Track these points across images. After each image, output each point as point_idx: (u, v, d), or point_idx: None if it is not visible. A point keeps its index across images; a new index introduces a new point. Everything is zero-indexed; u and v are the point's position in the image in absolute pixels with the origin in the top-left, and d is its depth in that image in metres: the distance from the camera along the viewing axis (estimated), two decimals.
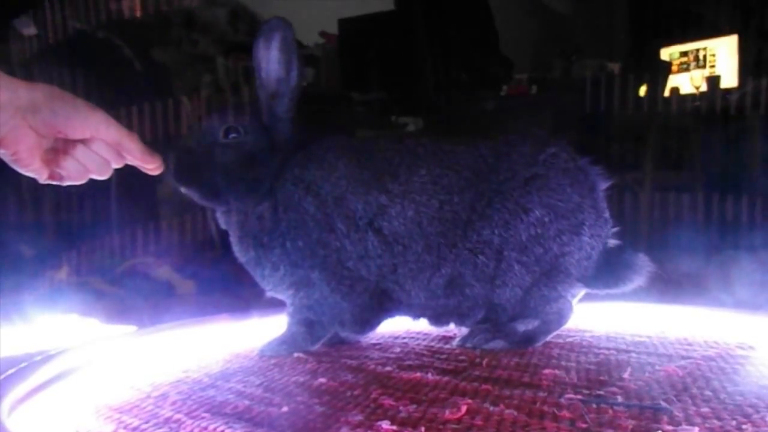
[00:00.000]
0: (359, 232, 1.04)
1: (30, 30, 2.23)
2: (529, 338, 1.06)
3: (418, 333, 1.20)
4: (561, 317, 1.08)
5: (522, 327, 1.06)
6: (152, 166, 0.97)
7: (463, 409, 0.73)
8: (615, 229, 1.10)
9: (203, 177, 1.04)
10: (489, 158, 1.07)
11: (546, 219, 1.03)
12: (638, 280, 1.09)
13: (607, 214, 1.09)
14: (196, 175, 1.04)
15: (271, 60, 1.04)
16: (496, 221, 1.03)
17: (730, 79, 3.34)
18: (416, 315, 1.12)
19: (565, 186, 1.05)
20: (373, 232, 1.04)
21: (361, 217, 1.04)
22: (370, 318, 1.09)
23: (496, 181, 1.05)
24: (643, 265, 1.09)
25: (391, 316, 1.12)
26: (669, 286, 1.15)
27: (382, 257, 1.04)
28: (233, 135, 1.04)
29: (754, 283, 1.23)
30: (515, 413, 0.72)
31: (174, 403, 0.83)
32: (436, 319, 1.12)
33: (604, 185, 1.09)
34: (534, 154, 1.06)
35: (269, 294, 1.11)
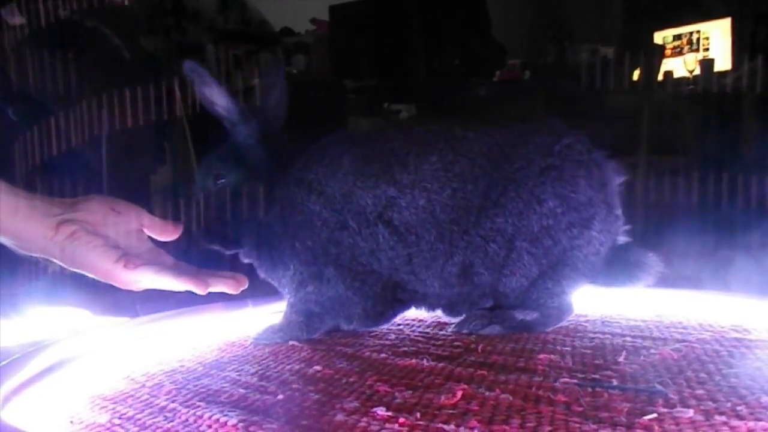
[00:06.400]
0: (370, 227, 1.03)
1: (17, 19, 2.21)
2: (525, 327, 1.05)
3: (413, 320, 1.20)
4: (560, 313, 1.07)
5: (520, 316, 1.06)
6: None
7: (459, 394, 0.73)
8: (626, 227, 1.09)
9: (223, 230, 1.07)
10: (504, 146, 1.05)
11: (558, 210, 1.01)
12: (646, 279, 1.08)
13: (618, 211, 1.07)
14: (221, 231, 1.07)
15: (216, 95, 1.06)
16: (510, 210, 1.01)
17: (723, 62, 3.34)
18: (432, 306, 1.11)
19: (579, 178, 1.02)
20: (384, 224, 1.03)
21: (371, 212, 1.02)
22: (384, 310, 1.09)
23: (511, 170, 1.03)
24: (653, 264, 1.08)
25: (407, 308, 1.11)
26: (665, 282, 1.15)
27: (395, 249, 1.03)
28: (221, 180, 1.06)
29: (752, 286, 1.22)
30: (511, 398, 0.72)
31: (169, 392, 0.82)
32: (450, 308, 1.11)
33: (618, 180, 1.07)
34: (550, 144, 1.04)
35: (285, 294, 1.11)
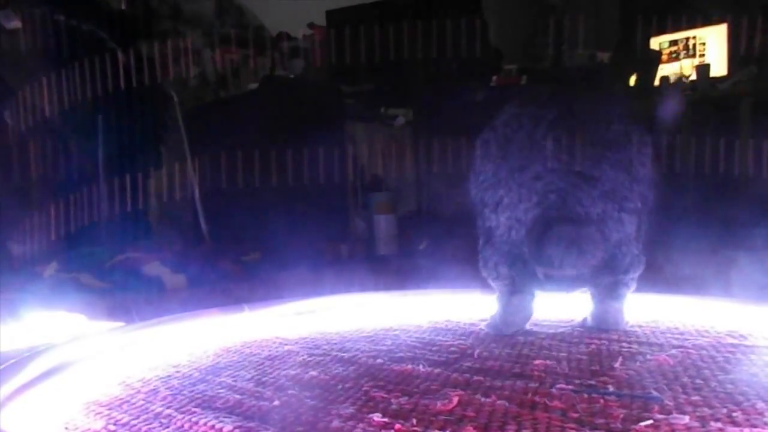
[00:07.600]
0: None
1: (13, 23, 2.20)
2: None
3: (409, 325, 1.20)
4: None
5: None
6: None
7: (455, 400, 0.73)
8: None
9: None
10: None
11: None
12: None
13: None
14: None
15: None
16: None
17: (719, 68, 3.34)
18: None
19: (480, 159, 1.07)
20: None
21: None
22: None
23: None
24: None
25: None
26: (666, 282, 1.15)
27: None
28: None
29: (754, 286, 1.22)
30: (506, 404, 0.72)
31: (164, 398, 0.82)
32: None
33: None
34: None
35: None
